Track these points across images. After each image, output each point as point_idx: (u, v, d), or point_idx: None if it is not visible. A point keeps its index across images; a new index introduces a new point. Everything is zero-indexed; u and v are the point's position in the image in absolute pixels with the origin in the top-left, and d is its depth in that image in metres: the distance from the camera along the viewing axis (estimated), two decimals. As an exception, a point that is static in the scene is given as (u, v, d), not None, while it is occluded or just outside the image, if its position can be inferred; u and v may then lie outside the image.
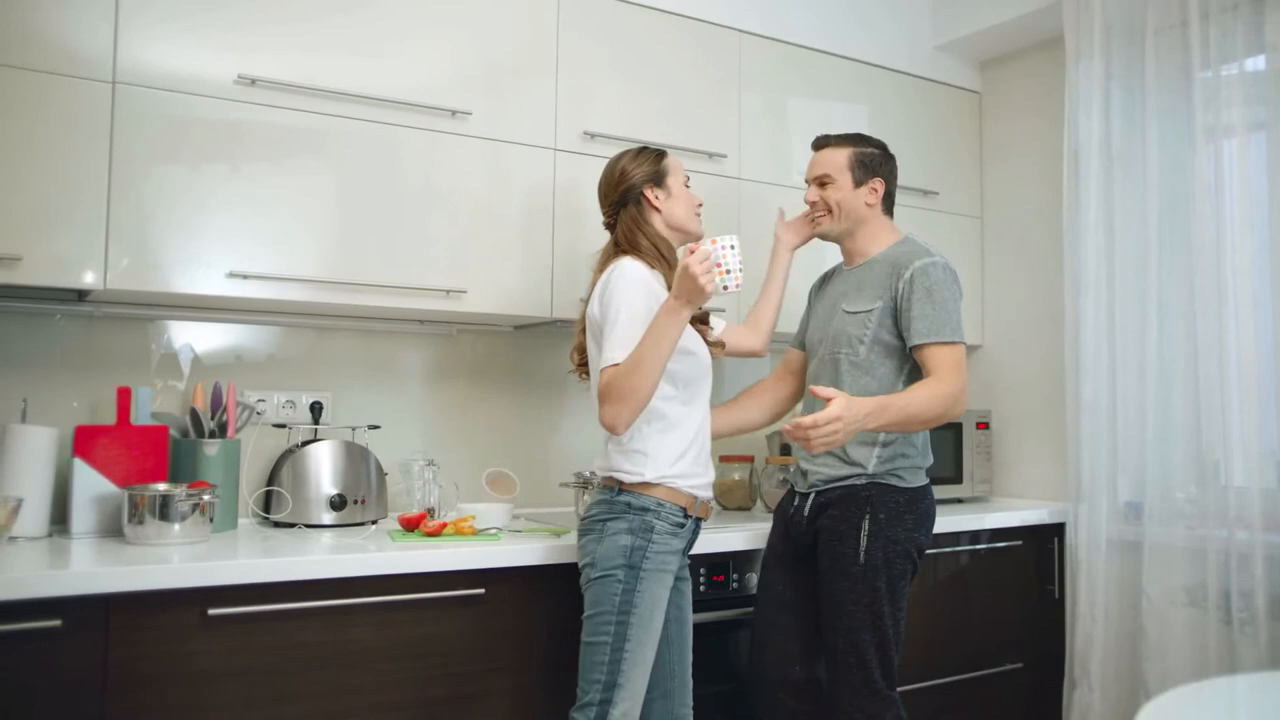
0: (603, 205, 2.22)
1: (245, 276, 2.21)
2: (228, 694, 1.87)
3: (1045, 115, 3.26)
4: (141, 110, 2.12)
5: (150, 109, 2.13)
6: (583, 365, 2.20)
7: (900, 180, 3.15)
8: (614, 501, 2.01)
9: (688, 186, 2.21)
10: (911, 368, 2.24)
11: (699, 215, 2.22)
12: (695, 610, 2.35)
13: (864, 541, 2.16)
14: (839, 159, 2.35)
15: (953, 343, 2.18)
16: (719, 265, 1.92)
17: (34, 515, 2.08)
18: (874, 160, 2.36)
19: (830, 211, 2.35)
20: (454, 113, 2.44)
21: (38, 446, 2.13)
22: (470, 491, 2.70)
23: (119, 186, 2.10)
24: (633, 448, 2.02)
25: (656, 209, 2.16)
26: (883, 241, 2.34)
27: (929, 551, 2.77)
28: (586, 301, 2.14)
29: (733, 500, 2.97)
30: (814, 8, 3.09)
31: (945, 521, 2.83)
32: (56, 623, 1.73)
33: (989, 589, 2.93)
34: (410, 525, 2.28)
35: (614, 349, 1.94)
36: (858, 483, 2.20)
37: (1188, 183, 2.71)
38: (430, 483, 2.52)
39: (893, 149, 3.19)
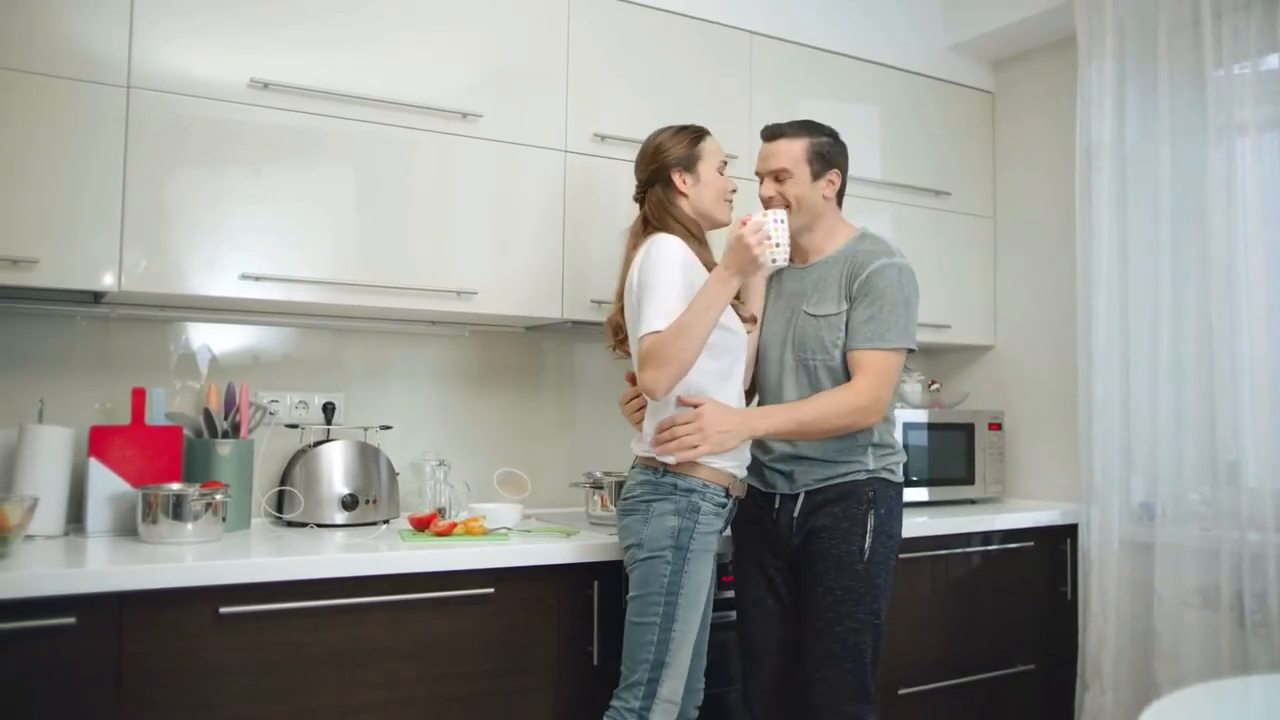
0: (636, 176, 2.22)
1: (258, 278, 2.23)
2: (239, 691, 1.89)
3: (1058, 115, 3.25)
4: (156, 114, 2.14)
5: (164, 113, 2.15)
6: (620, 342, 2.22)
7: (912, 181, 3.21)
8: (659, 482, 2.02)
9: (722, 172, 2.20)
10: None
11: (730, 202, 2.21)
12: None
13: (869, 539, 2.13)
14: (795, 151, 2.22)
15: (891, 349, 2.13)
16: (769, 239, 1.95)
17: (50, 514, 2.11)
18: (830, 150, 2.25)
19: (789, 207, 2.20)
20: (465, 115, 2.46)
21: (54, 446, 2.16)
22: (481, 491, 2.72)
23: (134, 190, 2.12)
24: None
25: (683, 194, 2.16)
26: (839, 237, 2.27)
27: (941, 553, 2.79)
28: (622, 278, 2.17)
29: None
30: (825, 8, 3.09)
31: (957, 522, 2.84)
32: (71, 620, 1.75)
33: (1001, 590, 2.92)
34: (421, 525, 2.30)
35: (655, 317, 1.96)
36: (859, 478, 2.16)
37: (1201, 182, 2.69)
38: (441, 483, 2.54)
39: (905, 150, 3.22)
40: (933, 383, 3.37)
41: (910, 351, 2.19)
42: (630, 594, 2.01)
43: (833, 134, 2.29)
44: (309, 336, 2.65)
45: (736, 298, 2.11)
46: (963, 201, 3.37)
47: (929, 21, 3.32)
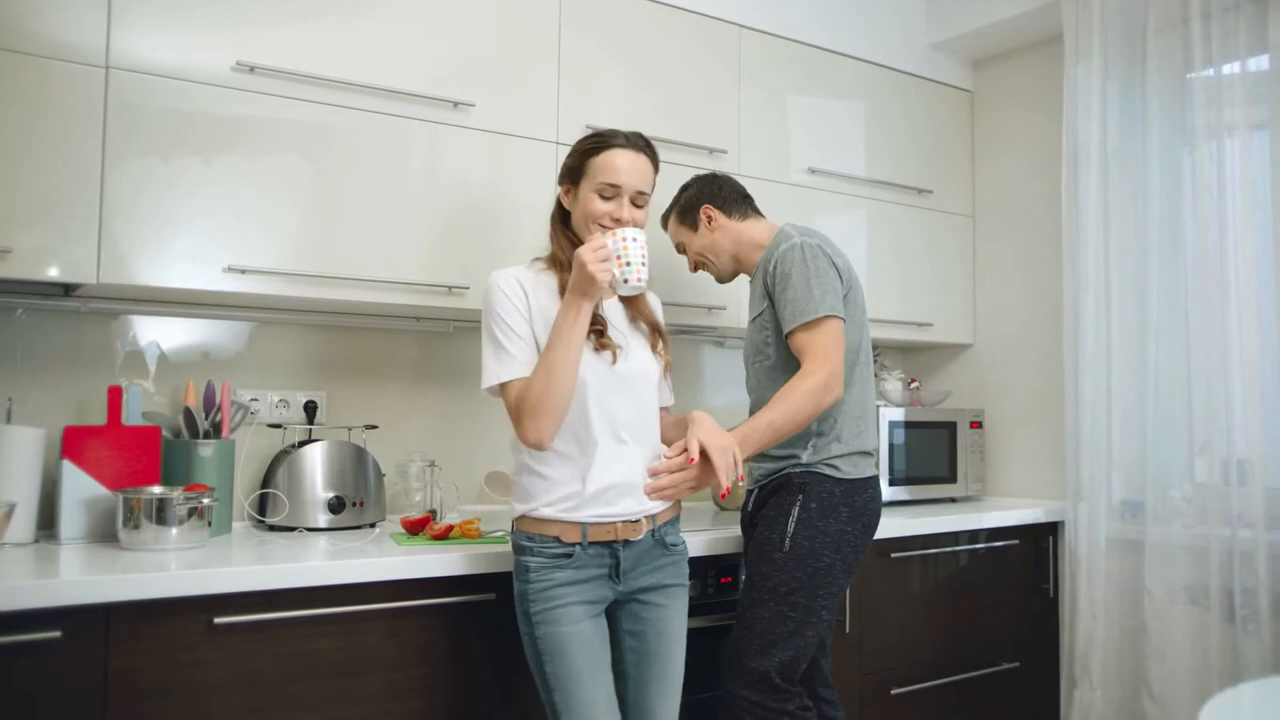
0: None
1: (243, 271, 2.13)
2: (233, 704, 1.79)
3: (1038, 113, 3.27)
4: (137, 98, 2.03)
5: (146, 97, 2.04)
6: None
7: (895, 178, 3.20)
8: (512, 543, 1.94)
9: (609, 196, 1.90)
10: None
11: (605, 229, 1.88)
12: (705, 614, 2.31)
13: (791, 528, 2.09)
14: (672, 225, 2.46)
15: (817, 320, 2.08)
16: (618, 257, 1.79)
17: (20, 520, 1.98)
18: (690, 199, 2.39)
19: (708, 262, 2.39)
20: (456, 104, 2.38)
21: (25, 448, 2.04)
22: (468, 492, 2.64)
23: (113, 176, 2.01)
24: (517, 480, 1.91)
25: (564, 209, 1.98)
26: (763, 242, 2.30)
27: (930, 551, 2.77)
28: None
29: (733, 501, 2.92)
30: (813, 3, 3.06)
31: (944, 521, 2.83)
32: (55, 634, 1.64)
33: (985, 589, 2.92)
34: (414, 528, 2.21)
35: (500, 366, 1.85)
36: (793, 471, 2.15)
37: (1189, 182, 2.71)
38: (432, 484, 2.45)
39: (889, 147, 3.21)
40: (912, 380, 3.36)
41: (841, 319, 2.12)
42: None
43: (688, 184, 2.42)
44: (290, 332, 2.54)
45: (599, 332, 1.90)
46: (943, 200, 3.37)
47: (912, 19, 3.31)
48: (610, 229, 1.88)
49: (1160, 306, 2.76)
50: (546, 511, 1.85)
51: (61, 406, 2.25)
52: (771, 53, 2.96)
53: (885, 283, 3.15)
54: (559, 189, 1.99)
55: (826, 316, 2.09)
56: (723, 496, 2.07)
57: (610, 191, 1.90)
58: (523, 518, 1.88)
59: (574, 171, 1.94)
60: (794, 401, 2.05)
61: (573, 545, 1.84)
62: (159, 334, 2.38)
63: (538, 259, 2.00)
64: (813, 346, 2.08)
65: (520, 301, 1.87)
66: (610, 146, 1.91)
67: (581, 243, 1.90)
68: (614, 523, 1.87)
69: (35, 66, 1.94)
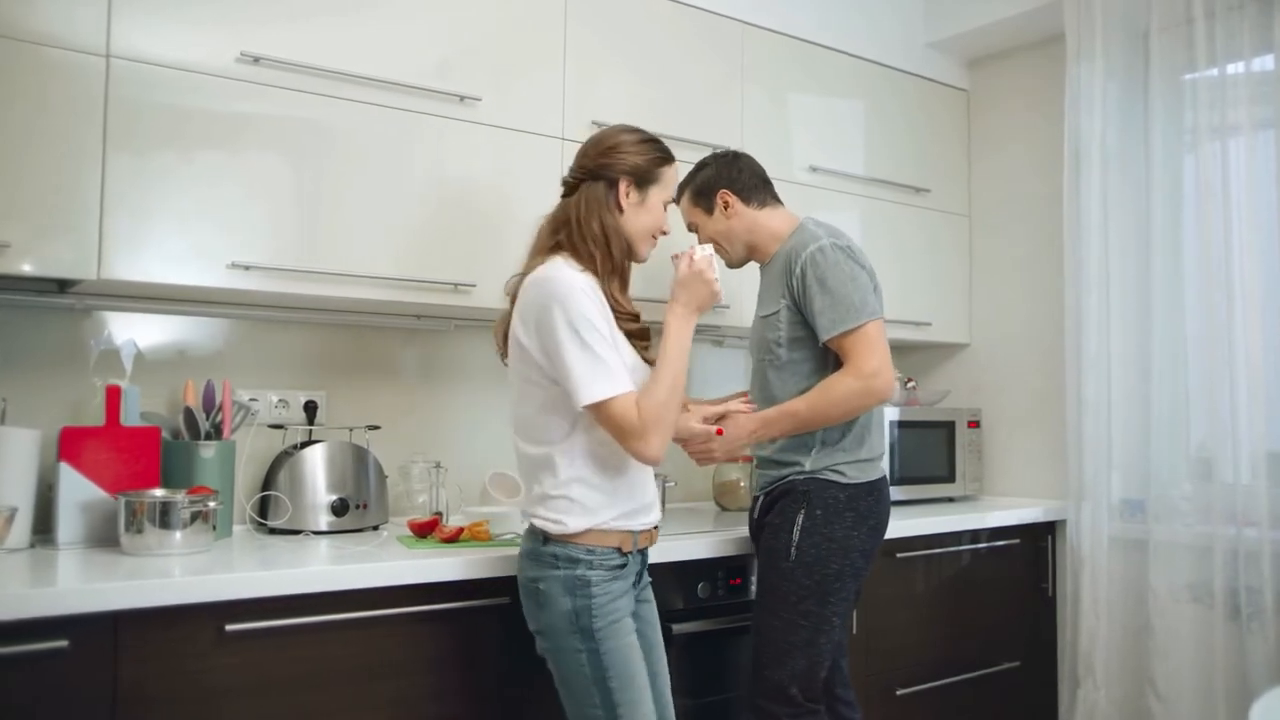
0: (575, 164, 1.91)
1: (246, 268, 2.07)
2: (243, 712, 1.74)
3: (1034, 113, 3.27)
4: (139, 89, 1.97)
5: (148, 88, 1.98)
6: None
7: (894, 177, 3.18)
8: (540, 554, 1.80)
9: (665, 210, 1.94)
10: (836, 357, 2.13)
11: (655, 241, 1.93)
12: (715, 616, 2.30)
13: (797, 536, 2.08)
14: (686, 204, 2.34)
15: (860, 326, 2.07)
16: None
17: (17, 524, 1.91)
18: (707, 181, 2.29)
19: (720, 247, 2.27)
20: (463, 98, 2.34)
21: (20, 450, 1.97)
22: (470, 493, 2.59)
23: (113, 170, 1.94)
24: (563, 495, 1.79)
25: (620, 208, 1.87)
26: (781, 233, 2.25)
27: (934, 552, 2.76)
28: (520, 280, 1.87)
29: (734, 501, 2.91)
30: (815, 1, 3.04)
31: (947, 521, 2.82)
32: (63, 643, 1.58)
33: (985, 588, 2.92)
34: (422, 531, 2.17)
35: (603, 381, 1.71)
36: (797, 478, 2.14)
37: (1192, 182, 2.72)
38: (438, 485, 2.41)
39: (888, 146, 3.19)
40: (909, 380, 3.35)
41: (880, 319, 2.13)
42: (557, 684, 1.82)
43: (710, 161, 2.33)
44: (290, 330, 2.48)
45: (642, 337, 1.90)
46: (941, 199, 3.36)
47: (911, 17, 3.31)
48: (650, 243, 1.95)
49: (1162, 306, 2.77)
50: (613, 523, 1.81)
51: (56, 407, 2.18)
52: (774, 50, 2.93)
53: (884, 282, 3.06)
54: (622, 184, 1.87)
55: (869, 320, 2.09)
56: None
57: (668, 205, 1.95)
58: (586, 532, 1.78)
59: (646, 175, 1.89)
60: (825, 398, 2.08)
61: (627, 554, 1.84)
62: (152, 332, 2.32)
63: (562, 258, 1.83)
64: (856, 350, 2.08)
65: (606, 310, 1.79)
66: (671, 160, 1.94)
67: (618, 242, 1.87)
68: (650, 530, 1.92)
69: (33, 55, 1.88)
